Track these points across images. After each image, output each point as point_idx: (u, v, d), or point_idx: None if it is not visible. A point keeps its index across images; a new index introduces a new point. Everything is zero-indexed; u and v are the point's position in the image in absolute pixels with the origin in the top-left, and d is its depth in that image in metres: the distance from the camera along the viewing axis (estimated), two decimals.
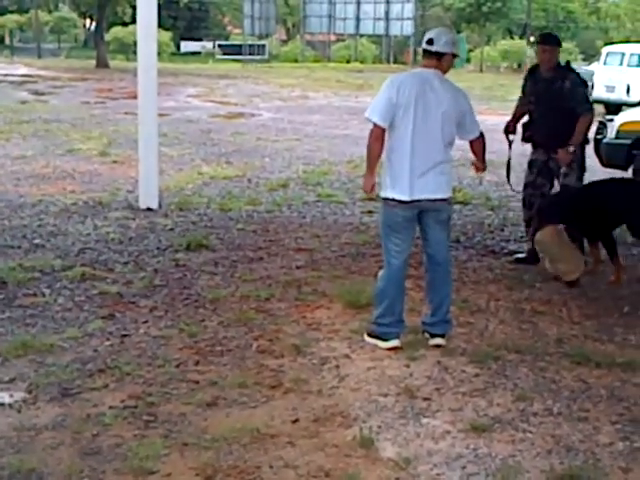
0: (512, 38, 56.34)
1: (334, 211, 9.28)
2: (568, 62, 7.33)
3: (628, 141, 10.69)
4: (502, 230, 8.48)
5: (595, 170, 11.90)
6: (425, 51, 5.19)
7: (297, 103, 23.78)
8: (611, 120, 11.26)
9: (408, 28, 50.21)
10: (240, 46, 49.05)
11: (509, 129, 7.32)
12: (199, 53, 53.36)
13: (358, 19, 51.42)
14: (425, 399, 4.44)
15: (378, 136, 5.10)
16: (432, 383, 4.65)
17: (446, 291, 5.31)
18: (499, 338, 5.38)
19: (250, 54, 47.70)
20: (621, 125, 10.87)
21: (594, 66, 28.07)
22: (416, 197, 5.06)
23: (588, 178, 11.69)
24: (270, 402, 4.38)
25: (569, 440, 4.03)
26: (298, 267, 6.93)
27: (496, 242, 8.02)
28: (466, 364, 4.93)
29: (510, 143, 7.36)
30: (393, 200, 5.10)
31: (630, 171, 10.76)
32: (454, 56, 5.19)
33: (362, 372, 4.79)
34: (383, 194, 5.18)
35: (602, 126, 11.38)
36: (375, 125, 5.08)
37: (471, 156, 5.47)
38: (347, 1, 51.53)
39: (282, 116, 19.93)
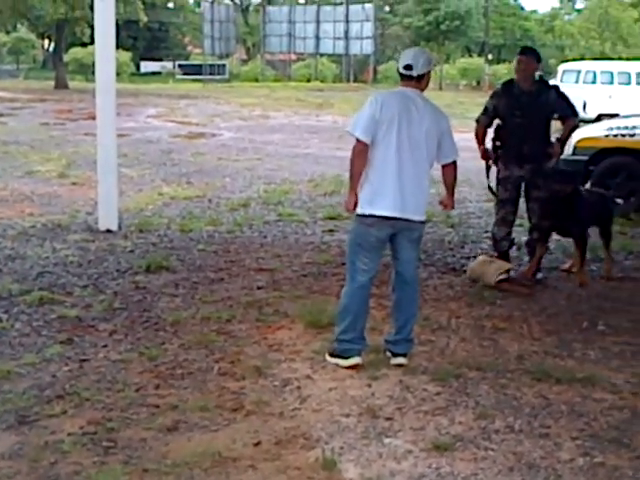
0: (471, 56, 57.05)
1: (295, 230, 9.27)
2: (541, 77, 7.43)
3: (585, 157, 10.81)
4: (462, 247, 8.52)
5: None
6: (403, 75, 5.21)
7: (258, 122, 23.80)
8: None
9: (368, 47, 50.59)
10: (200, 66, 49.05)
11: (487, 155, 7.32)
12: (159, 73, 53.31)
13: (318, 38, 51.73)
14: (387, 419, 4.43)
15: (361, 151, 5.09)
16: (394, 402, 4.63)
17: (412, 310, 5.32)
18: (460, 356, 5.38)
19: (210, 74, 47.70)
20: (578, 142, 10.98)
21: (551, 83, 28.42)
22: (398, 215, 5.05)
23: None
24: (232, 425, 4.33)
25: (530, 457, 4.03)
26: (259, 287, 6.90)
27: (456, 260, 8.04)
28: (428, 382, 4.92)
29: (489, 168, 7.46)
30: (371, 216, 5.06)
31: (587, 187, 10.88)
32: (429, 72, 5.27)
33: (324, 393, 4.76)
34: (360, 211, 5.13)
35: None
36: (358, 140, 5.09)
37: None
38: (307, 20, 51.87)
39: (243, 135, 19.94)
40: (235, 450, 4.05)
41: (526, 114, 7.07)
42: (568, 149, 11.03)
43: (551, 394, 4.79)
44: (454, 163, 5.30)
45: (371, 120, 5.05)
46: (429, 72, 5.24)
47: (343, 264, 7.58)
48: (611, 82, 25.20)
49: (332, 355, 5.22)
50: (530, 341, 5.71)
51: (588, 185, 10.82)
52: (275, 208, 10.51)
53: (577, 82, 25.51)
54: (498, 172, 7.31)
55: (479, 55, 55.47)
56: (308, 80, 50.05)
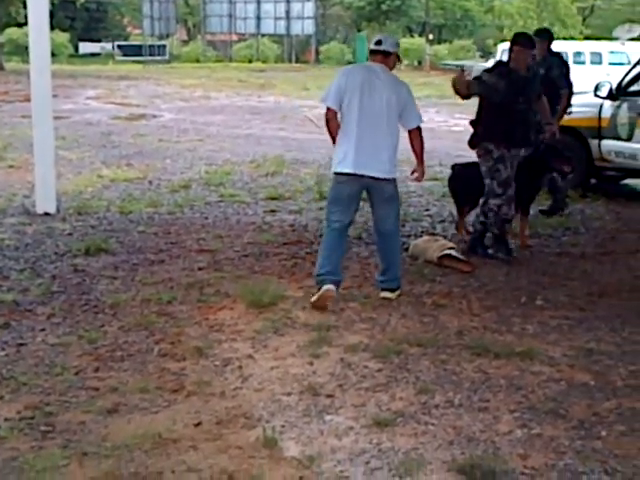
0: (412, 36, 57.10)
1: (237, 211, 9.22)
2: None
3: None
4: (403, 226, 8.52)
5: None
6: (372, 51, 5.97)
7: (199, 103, 23.60)
8: None
9: (309, 27, 50.51)
10: (140, 47, 48.48)
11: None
12: (98, 54, 52.51)
13: (259, 18, 51.45)
14: (328, 396, 4.44)
15: (331, 117, 5.94)
16: (335, 380, 4.65)
17: (393, 258, 6.11)
18: (401, 332, 5.42)
19: (150, 55, 47.18)
20: None
21: (491, 63, 28.63)
22: (359, 172, 5.79)
23: None
24: (172, 406, 4.30)
25: (470, 431, 4.08)
26: (200, 268, 6.85)
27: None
28: (369, 359, 4.94)
29: None
30: (340, 174, 5.87)
31: None
32: (398, 58, 6.03)
33: (265, 372, 4.76)
34: (333, 169, 5.97)
35: None
36: (328, 108, 5.92)
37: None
38: (247, 0, 51.52)
39: (184, 117, 19.76)
40: (176, 431, 4.02)
41: (527, 100, 7.12)
42: None
43: (490, 368, 4.85)
44: (418, 129, 5.98)
45: (337, 89, 5.85)
46: (396, 54, 5.99)
47: (285, 244, 7.70)
48: None
49: (314, 294, 5.86)
50: (469, 317, 5.77)
51: None
52: (216, 189, 10.44)
53: None
54: (488, 152, 7.12)
55: (420, 35, 55.61)
56: (250, 61, 49.76)
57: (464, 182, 8.01)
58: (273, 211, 9.22)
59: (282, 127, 18.43)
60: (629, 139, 10.01)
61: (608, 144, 10.34)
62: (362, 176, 5.80)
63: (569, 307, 6.03)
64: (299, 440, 3.96)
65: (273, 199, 9.87)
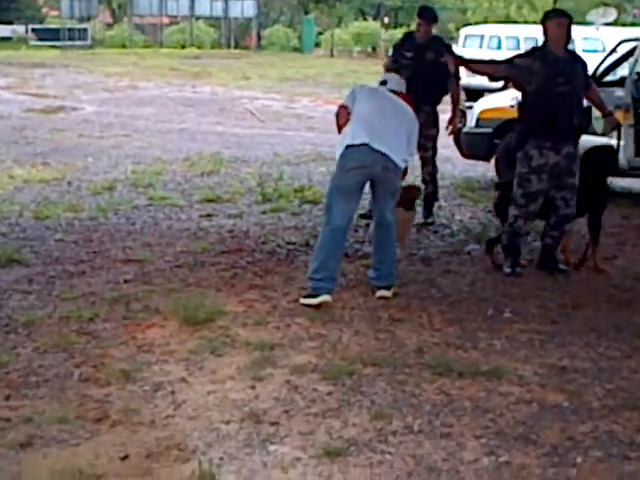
0: (365, 20, 57.37)
1: (168, 216, 9.18)
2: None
3: (489, 130, 11.06)
4: (356, 231, 8.56)
5: (455, 162, 12.32)
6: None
7: (125, 94, 23.48)
8: (470, 107, 11.63)
9: (250, 9, 50.47)
10: (58, 30, 47.92)
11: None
12: (10, 39, 51.77)
13: None
14: (272, 424, 4.43)
15: (342, 112, 6.47)
16: (280, 405, 4.64)
17: (389, 250, 6.47)
18: (354, 350, 5.43)
19: (70, 39, 46.67)
20: (481, 113, 11.25)
21: (454, 49, 28.93)
22: (374, 146, 6.16)
23: (449, 171, 12.07)
24: (95, 438, 4.26)
25: (431, 459, 4.10)
26: (126, 281, 6.80)
27: (349, 244, 8.07)
28: (318, 381, 4.94)
29: None
30: (351, 147, 6.18)
31: (492, 162, 11.13)
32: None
33: (201, 397, 4.73)
34: (340, 150, 6.29)
35: (461, 114, 11.71)
36: (341, 105, 6.56)
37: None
38: None
39: (108, 109, 19.65)
40: (99, 466, 3.98)
41: (568, 82, 6.96)
42: (471, 120, 11.30)
43: (453, 389, 4.88)
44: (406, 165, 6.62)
45: (352, 93, 6.53)
46: (403, 94, 6.73)
47: (223, 252, 7.68)
48: (517, 47, 25.71)
49: (305, 297, 6.15)
50: (430, 332, 5.80)
51: (492, 160, 11.10)
52: (145, 191, 10.38)
53: (481, 47, 26.03)
54: (528, 158, 7.04)
55: (374, 19, 55.94)
56: (183, 46, 49.53)
57: None
58: (209, 215, 9.20)
59: (219, 121, 18.39)
60: (605, 134, 10.15)
61: (582, 139, 10.45)
62: (375, 152, 6.17)
63: (540, 320, 6.09)
64: (240, 473, 3.95)
65: (210, 202, 9.85)
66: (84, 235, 8.25)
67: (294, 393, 4.79)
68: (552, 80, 6.90)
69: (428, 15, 9.07)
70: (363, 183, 6.36)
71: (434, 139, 8.92)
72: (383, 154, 6.22)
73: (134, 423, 4.41)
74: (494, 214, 7.96)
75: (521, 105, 7.23)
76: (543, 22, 7.10)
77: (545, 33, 7.07)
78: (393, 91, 6.69)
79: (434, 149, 9.00)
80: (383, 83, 6.79)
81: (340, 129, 6.50)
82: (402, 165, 6.44)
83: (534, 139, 6.99)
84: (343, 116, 6.46)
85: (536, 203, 7.11)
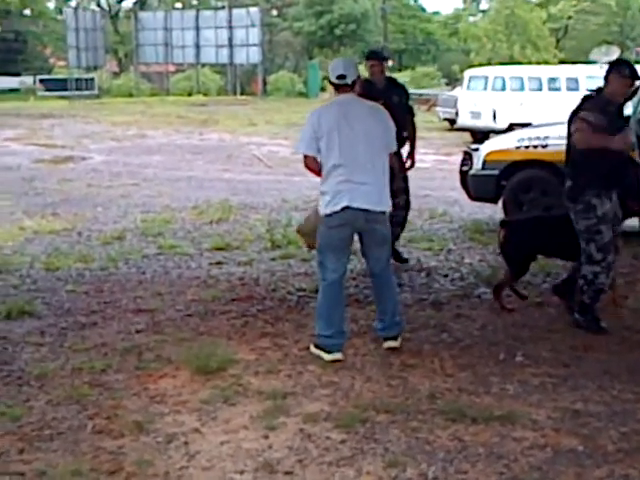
0: None
1: (178, 264, 9.21)
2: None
3: (496, 172, 11.09)
4: (364, 276, 8.58)
5: (463, 205, 12.35)
6: (338, 86, 6.28)
7: (133, 143, 23.64)
8: (476, 150, 11.66)
9: (255, 55, 50.87)
10: (65, 80, 48.42)
11: None
12: (18, 90, 52.34)
13: (198, 47, 51.76)
14: (287, 473, 4.43)
15: (310, 163, 6.24)
16: (294, 454, 4.64)
17: (391, 299, 6.43)
18: (367, 397, 5.42)
19: (77, 89, 47.12)
20: (487, 155, 11.28)
21: (457, 91, 29.11)
22: (354, 205, 6.05)
23: (457, 213, 12.11)
24: None
25: None
26: (138, 331, 6.82)
27: (359, 290, 8.12)
28: (331, 430, 4.94)
29: None
30: (332, 215, 6.09)
31: (500, 204, 11.16)
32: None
33: (214, 448, 4.73)
34: (322, 212, 6.20)
35: (467, 156, 11.78)
36: (305, 156, 6.23)
37: None
38: (185, 27, 51.83)
39: (116, 158, 19.77)
40: None
41: (621, 130, 6.78)
42: (477, 163, 11.35)
43: (467, 435, 4.87)
44: (396, 154, 6.77)
45: (312, 134, 6.15)
46: (359, 77, 6.40)
47: (233, 300, 7.69)
48: (522, 88, 25.90)
49: (316, 347, 6.19)
50: (442, 377, 5.80)
51: (500, 202, 11.13)
52: (155, 240, 10.42)
53: (485, 89, 26.14)
54: (591, 209, 6.75)
55: None
56: (189, 94, 49.98)
57: (522, 243, 7.55)
58: (219, 263, 9.22)
59: (227, 168, 18.49)
60: None
61: None
62: (356, 210, 6.06)
63: (552, 363, 6.08)
64: None
65: (219, 250, 9.87)
66: (95, 285, 8.28)
67: (307, 442, 4.79)
68: (612, 132, 6.65)
69: (379, 54, 9.19)
70: (350, 236, 6.25)
71: (405, 180, 9.14)
72: (364, 210, 6.09)
73: (148, 475, 4.42)
74: (500, 254, 7.97)
75: (579, 157, 6.81)
76: (609, 73, 6.84)
77: (607, 83, 6.82)
78: (353, 83, 6.26)
79: (406, 191, 9.19)
80: (342, 77, 6.21)
81: (318, 173, 6.30)
82: (387, 209, 6.28)
83: (592, 189, 6.74)
84: (315, 168, 6.25)
85: (612, 253, 6.80)
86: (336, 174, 6.09)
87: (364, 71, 8.47)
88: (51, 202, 13.34)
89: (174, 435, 4.89)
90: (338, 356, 6.11)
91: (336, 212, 6.09)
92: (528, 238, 7.53)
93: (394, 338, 6.37)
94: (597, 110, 6.68)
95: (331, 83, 6.37)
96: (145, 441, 4.82)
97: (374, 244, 6.30)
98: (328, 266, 6.21)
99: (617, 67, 6.90)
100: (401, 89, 9.04)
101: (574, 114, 6.83)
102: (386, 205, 6.28)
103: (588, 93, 7.20)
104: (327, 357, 6.10)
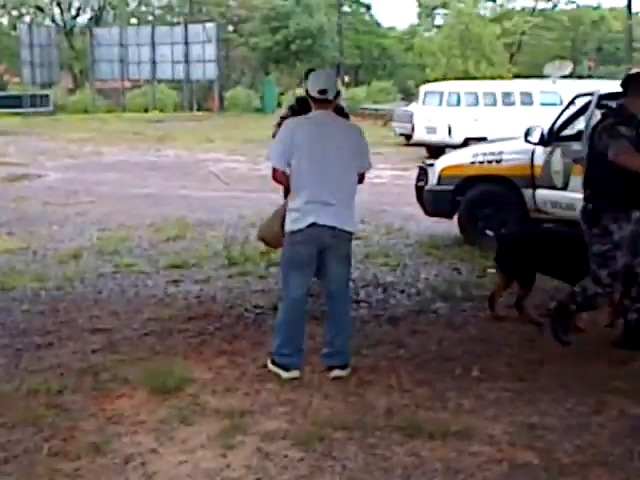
0: None
1: (135, 283, 9.17)
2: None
3: (451, 187, 11.19)
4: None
5: (419, 220, 12.43)
6: (317, 100, 6.19)
7: (89, 160, 23.53)
8: (432, 165, 11.76)
9: (211, 71, 50.86)
10: (20, 97, 48.04)
11: None
12: None
13: (154, 63, 51.67)
14: None
15: (279, 175, 6.22)
16: (252, 473, 4.62)
17: (343, 325, 6.28)
18: (324, 415, 5.43)
19: (32, 106, 46.78)
20: (442, 170, 11.38)
21: (413, 106, 29.27)
22: (320, 222, 6.02)
23: (413, 229, 12.15)
24: None
25: None
26: (94, 351, 6.77)
27: (317, 307, 8.09)
28: (289, 448, 4.94)
29: None
30: (296, 232, 6.08)
31: (455, 219, 11.24)
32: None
33: (172, 467, 4.71)
34: (288, 229, 6.16)
35: (423, 172, 11.86)
36: (274, 169, 6.19)
37: None
38: (140, 43, 51.71)
39: (72, 176, 19.69)
40: None
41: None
42: (433, 178, 11.43)
43: (424, 451, 4.89)
44: (367, 171, 6.41)
45: (284, 147, 6.14)
46: (339, 92, 6.33)
47: (190, 319, 7.67)
48: (476, 104, 26.13)
49: (273, 363, 6.17)
50: (400, 393, 5.82)
51: (456, 217, 11.21)
52: (111, 258, 10.37)
53: (440, 104, 26.32)
54: (608, 234, 6.54)
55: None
56: (145, 110, 49.82)
57: (517, 258, 7.66)
58: (176, 281, 9.19)
59: (184, 185, 18.44)
60: (565, 188, 10.32)
61: (543, 194, 10.65)
62: (323, 227, 6.03)
63: (508, 377, 6.13)
64: None
65: (176, 267, 9.84)
66: (50, 305, 8.21)
67: (266, 460, 4.78)
68: (637, 148, 6.51)
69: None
70: (314, 254, 6.14)
71: None
72: (331, 227, 6.06)
73: None
74: (497, 267, 8.03)
75: (610, 175, 6.54)
76: (628, 87, 6.66)
77: (630, 97, 6.64)
78: (331, 100, 6.23)
79: None
80: (323, 92, 6.13)
81: (286, 187, 6.42)
82: (352, 229, 6.26)
83: (609, 212, 6.55)
84: (281, 177, 6.21)
85: (620, 278, 6.66)
86: (304, 194, 6.06)
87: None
88: (6, 220, 13.24)
89: (131, 456, 4.85)
90: (295, 374, 6.08)
91: (301, 229, 6.07)
92: (524, 253, 7.61)
93: (342, 367, 6.15)
94: (628, 124, 6.49)
95: (310, 97, 6.26)
96: (102, 462, 4.79)
97: (335, 262, 6.18)
98: (291, 283, 6.18)
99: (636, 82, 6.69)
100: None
101: (604, 131, 6.58)
102: (351, 225, 6.24)
103: (608, 109, 7.12)
104: (285, 375, 6.06)
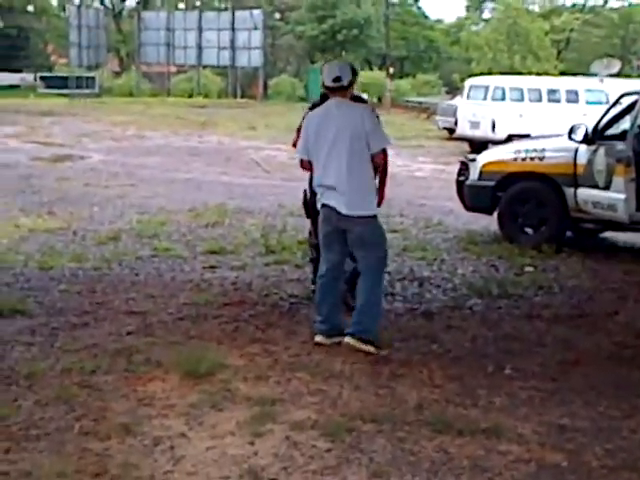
0: (371, 69, 57.86)
1: (172, 267, 9.23)
2: None
3: (492, 183, 11.11)
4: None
5: (459, 214, 12.38)
6: (332, 88, 6.49)
7: (132, 143, 23.65)
8: (473, 160, 11.68)
9: (256, 59, 50.93)
10: (66, 78, 48.44)
11: None
12: (18, 86, 52.39)
13: (200, 48, 51.83)
14: None
15: (304, 164, 6.73)
16: (279, 461, 4.64)
17: (366, 301, 6.51)
18: (354, 406, 5.43)
19: (78, 87, 47.14)
20: (484, 166, 11.30)
21: (457, 100, 29.14)
22: (330, 204, 6.43)
23: (452, 224, 12.12)
24: None
25: None
26: (129, 333, 6.82)
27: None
28: (317, 438, 4.95)
29: None
30: (320, 210, 6.61)
31: (495, 215, 11.18)
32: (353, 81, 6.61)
33: (200, 453, 4.74)
34: (318, 205, 6.67)
35: (464, 167, 11.80)
36: (301, 159, 6.73)
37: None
38: (187, 28, 51.88)
39: (114, 158, 19.79)
40: None
41: None
42: (474, 173, 11.37)
43: (452, 447, 4.88)
44: (383, 152, 6.56)
45: (304, 138, 6.60)
46: (354, 81, 6.57)
47: (225, 305, 7.70)
48: (521, 99, 25.94)
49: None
50: (430, 388, 5.81)
51: (495, 213, 11.14)
52: (149, 242, 10.44)
53: (485, 99, 26.16)
54: None
55: (380, 68, 56.40)
56: (190, 95, 50.01)
57: None
58: (213, 267, 9.23)
59: (225, 171, 18.51)
60: (607, 187, 10.21)
61: (584, 193, 10.55)
62: (330, 209, 6.46)
63: (540, 377, 6.10)
64: None
65: (213, 253, 9.89)
66: (88, 286, 8.29)
67: (293, 449, 4.80)
68: None
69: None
70: (332, 232, 6.54)
71: None
72: (337, 211, 6.42)
73: (133, 478, 4.42)
74: None
75: None
76: None
77: None
78: (349, 85, 6.52)
79: None
80: (337, 79, 6.45)
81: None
82: (362, 212, 6.41)
83: None
84: (306, 165, 6.72)
85: None
86: (315, 179, 6.60)
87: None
88: (48, 200, 13.36)
89: (160, 439, 4.89)
90: (319, 339, 6.53)
91: (321, 208, 6.61)
92: None
93: (355, 337, 6.45)
94: None
95: (326, 87, 6.57)
96: (131, 444, 4.83)
97: (352, 245, 6.54)
98: (322, 259, 6.68)
99: None
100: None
101: None
102: (360, 209, 6.41)
103: None
104: (314, 338, 6.57)
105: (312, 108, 7.19)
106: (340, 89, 6.47)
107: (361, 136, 6.35)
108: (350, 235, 6.46)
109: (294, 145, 7.23)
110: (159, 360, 6.16)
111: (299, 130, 7.02)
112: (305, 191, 7.53)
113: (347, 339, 6.46)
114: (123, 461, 4.58)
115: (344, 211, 6.38)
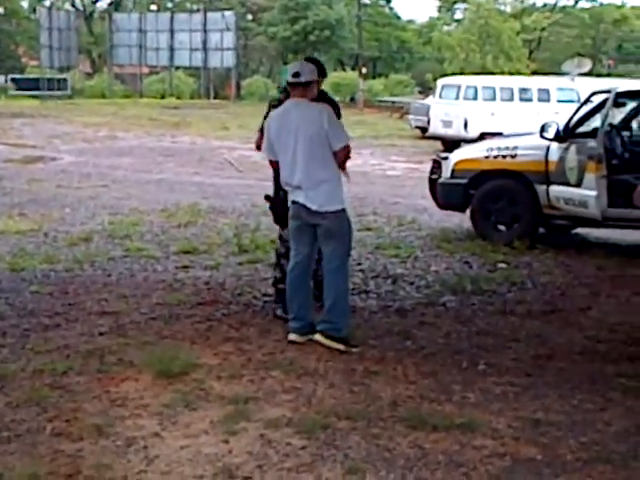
0: (344, 70, 57.94)
1: (144, 267, 9.17)
2: None
3: (464, 180, 11.13)
4: None
5: (432, 212, 12.40)
6: (292, 84, 6.47)
7: (104, 144, 23.55)
8: (446, 158, 11.70)
9: (229, 59, 50.90)
10: (38, 80, 48.15)
11: None
12: None
13: (172, 49, 51.75)
14: (246, 478, 4.40)
15: (273, 164, 6.71)
16: (253, 460, 4.61)
17: (334, 299, 6.50)
18: (328, 404, 5.41)
19: (49, 89, 46.89)
20: (456, 164, 11.32)
21: (430, 100, 29.22)
22: (301, 200, 6.44)
23: (426, 221, 12.13)
24: None
25: None
26: (101, 334, 6.76)
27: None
28: (292, 435, 4.92)
29: None
30: (290, 206, 6.59)
31: (467, 213, 11.20)
32: (318, 82, 6.65)
33: (174, 452, 4.70)
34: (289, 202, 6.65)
35: (436, 165, 11.82)
36: (269, 160, 6.71)
37: None
38: (159, 29, 51.80)
39: (86, 159, 19.71)
40: None
41: None
42: (446, 171, 11.39)
43: (427, 443, 4.87)
44: (345, 149, 6.45)
45: (268, 139, 6.61)
46: (316, 81, 6.57)
47: (198, 304, 7.66)
48: (493, 98, 26.04)
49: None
50: (405, 385, 5.80)
51: (468, 211, 11.17)
52: (121, 242, 10.37)
53: (457, 98, 26.25)
54: None
55: (353, 69, 56.46)
56: (162, 96, 49.90)
57: None
58: (186, 267, 9.18)
59: (198, 171, 18.46)
60: (579, 185, 10.25)
61: (556, 190, 10.58)
62: (299, 205, 6.48)
63: (514, 372, 6.10)
64: None
65: (186, 253, 9.84)
66: (60, 287, 8.22)
67: (268, 447, 4.77)
68: None
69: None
70: (305, 226, 6.53)
71: None
72: (305, 207, 6.45)
73: (106, 479, 4.38)
74: None
75: None
76: None
77: None
78: (307, 83, 6.44)
79: None
80: (296, 75, 6.43)
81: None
82: (330, 208, 6.41)
83: None
84: (275, 165, 6.69)
85: None
86: (281, 178, 6.61)
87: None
88: (19, 202, 13.27)
89: (134, 439, 4.85)
90: (292, 337, 6.55)
91: (291, 204, 6.60)
92: None
93: (324, 334, 6.48)
94: None
95: (288, 84, 6.57)
96: (104, 444, 4.78)
97: (320, 238, 6.54)
98: (291, 251, 6.70)
99: None
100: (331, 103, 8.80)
101: None
102: (328, 205, 6.42)
103: None
104: (288, 337, 6.58)
105: (273, 106, 7.15)
106: (297, 85, 6.45)
107: (321, 135, 6.33)
108: (319, 229, 6.49)
109: (258, 146, 7.18)
110: (132, 360, 6.12)
111: (262, 131, 7.00)
112: (268, 196, 7.23)
113: (317, 336, 6.50)
114: (96, 462, 4.54)
115: (314, 208, 6.41)
